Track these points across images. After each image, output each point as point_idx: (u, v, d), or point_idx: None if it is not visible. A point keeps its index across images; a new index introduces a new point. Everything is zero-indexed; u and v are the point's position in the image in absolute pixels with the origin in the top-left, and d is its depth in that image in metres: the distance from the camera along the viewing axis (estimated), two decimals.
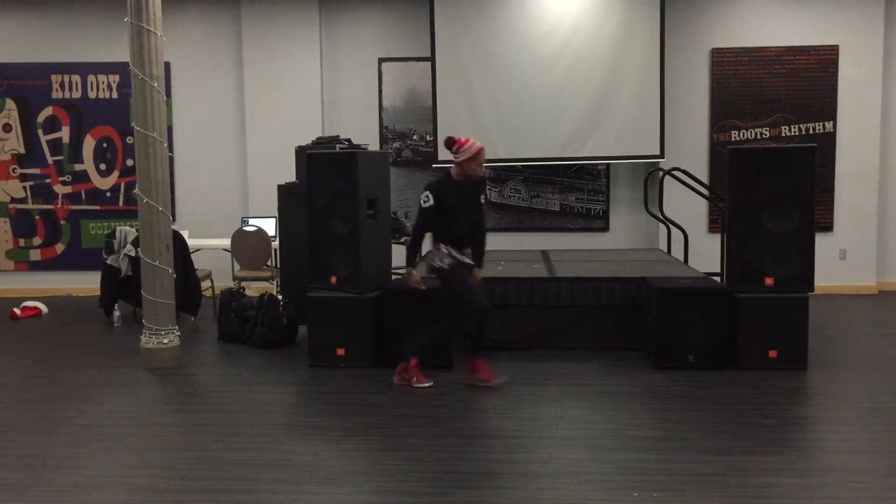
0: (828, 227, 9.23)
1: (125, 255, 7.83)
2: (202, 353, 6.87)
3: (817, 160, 6.13)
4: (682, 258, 8.17)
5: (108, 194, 9.81)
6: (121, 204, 9.80)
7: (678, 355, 6.05)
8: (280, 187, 7.53)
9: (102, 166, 9.79)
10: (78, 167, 9.78)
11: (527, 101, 9.12)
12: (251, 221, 8.54)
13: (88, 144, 9.76)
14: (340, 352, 6.23)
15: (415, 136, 9.69)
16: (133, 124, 6.24)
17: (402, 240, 7.96)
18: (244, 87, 9.56)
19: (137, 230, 6.58)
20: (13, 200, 9.84)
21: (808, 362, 6.02)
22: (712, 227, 9.29)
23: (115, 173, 9.79)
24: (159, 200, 6.20)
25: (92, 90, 9.72)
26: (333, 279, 6.37)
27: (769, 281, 6.07)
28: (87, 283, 9.35)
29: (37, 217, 9.85)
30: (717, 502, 3.77)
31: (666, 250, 8.60)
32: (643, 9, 8.94)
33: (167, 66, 9.11)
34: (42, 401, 5.51)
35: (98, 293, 8.22)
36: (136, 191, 6.28)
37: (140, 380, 6.02)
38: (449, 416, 5.10)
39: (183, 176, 9.75)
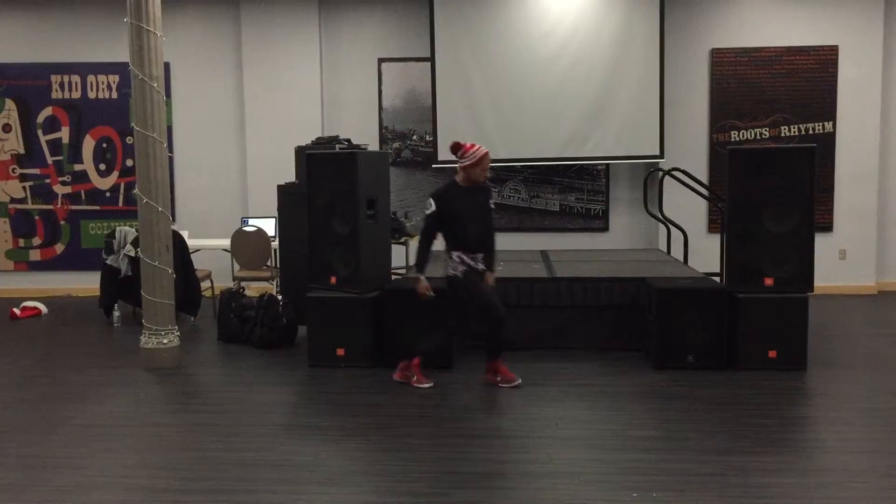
0: (827, 228, 9.24)
1: (125, 255, 7.83)
2: (202, 354, 6.87)
3: (817, 160, 6.14)
4: (681, 258, 8.17)
5: (108, 194, 9.81)
6: (120, 204, 9.81)
7: (678, 355, 6.06)
8: (280, 187, 7.53)
9: (102, 166, 9.79)
10: (77, 167, 9.78)
11: (526, 102, 9.12)
12: (251, 221, 8.54)
13: (88, 145, 9.76)
14: (340, 352, 6.23)
15: (414, 137, 9.69)
16: (133, 124, 6.24)
17: (402, 240, 7.96)
18: (244, 87, 9.56)
19: (137, 230, 6.59)
20: (13, 200, 9.84)
21: (808, 362, 6.02)
22: (712, 227, 9.29)
23: (115, 173, 9.79)
24: (159, 200, 6.20)
25: (92, 90, 9.72)
26: (333, 279, 6.37)
27: (769, 281, 6.07)
28: (87, 284, 9.36)
29: (36, 217, 9.85)
30: (716, 502, 3.78)
31: (665, 250, 8.60)
32: (643, 9, 8.95)
33: (167, 66, 9.11)
34: (42, 401, 5.51)
35: (98, 293, 8.22)
36: (135, 191, 6.28)
37: (140, 380, 6.02)
38: (449, 416, 5.10)
39: (183, 176, 9.76)
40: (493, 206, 5.74)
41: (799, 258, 6.06)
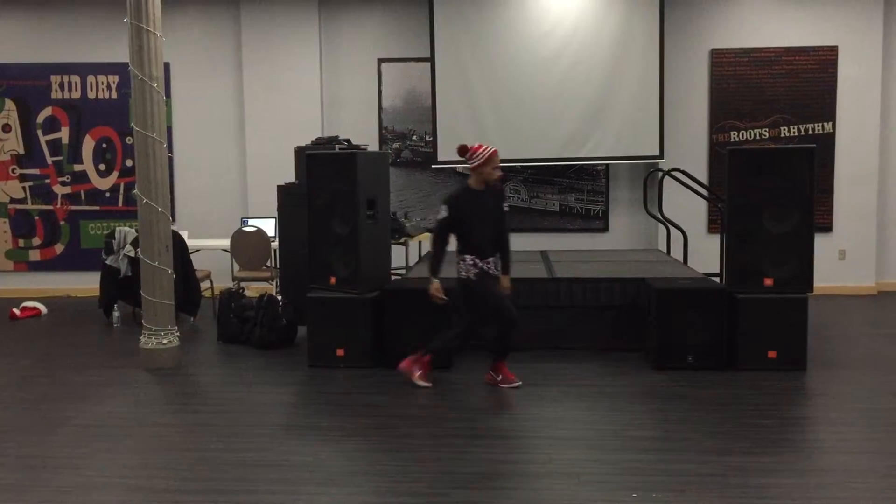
0: (827, 228, 9.24)
1: (124, 255, 7.83)
2: (202, 354, 6.86)
3: (816, 161, 6.14)
4: (681, 259, 8.17)
5: (108, 195, 9.81)
6: (120, 204, 9.81)
7: (677, 356, 6.06)
8: (279, 188, 7.53)
9: (102, 167, 9.79)
10: (77, 168, 9.78)
11: (526, 102, 9.13)
12: (251, 222, 8.54)
13: (88, 145, 9.76)
14: (340, 352, 6.23)
15: (414, 137, 9.69)
16: (132, 125, 6.24)
17: (402, 240, 7.96)
18: (244, 87, 9.57)
19: (137, 231, 6.59)
20: (12, 201, 9.84)
21: (808, 363, 6.02)
22: (711, 227, 9.29)
23: (115, 174, 9.79)
24: (159, 201, 6.20)
25: (91, 91, 9.72)
26: (333, 280, 6.37)
27: (768, 281, 6.07)
28: (87, 284, 9.36)
29: (36, 217, 9.85)
30: (716, 503, 3.78)
31: (665, 251, 8.61)
32: (643, 9, 8.95)
33: (166, 66, 9.11)
34: (41, 401, 5.51)
35: (97, 294, 8.22)
36: (135, 191, 6.28)
37: (139, 380, 6.02)
38: (448, 416, 5.10)
39: (182, 176, 9.76)
40: (507, 208, 5.71)
41: (798, 259, 6.06)
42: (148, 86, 6.09)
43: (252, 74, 9.51)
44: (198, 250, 8.43)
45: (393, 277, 7.02)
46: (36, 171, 9.81)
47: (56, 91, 9.72)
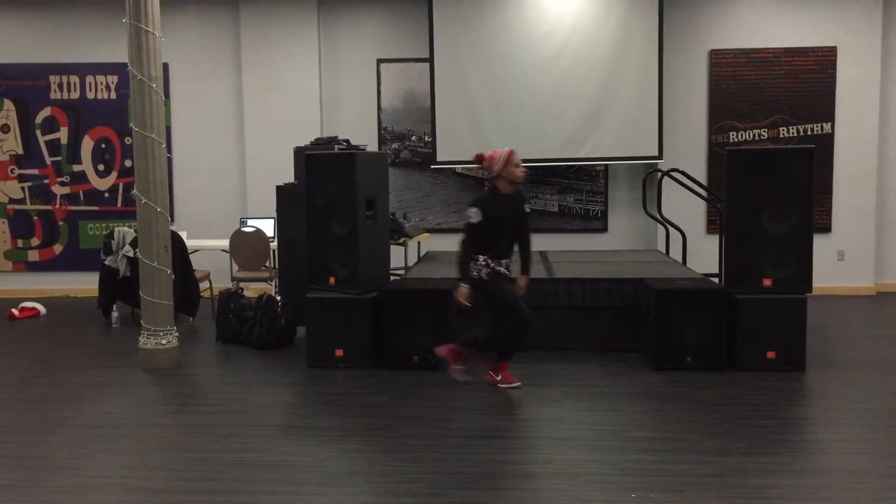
0: (826, 229, 9.25)
1: (123, 255, 7.82)
2: (200, 354, 6.86)
3: (815, 161, 6.14)
4: (680, 259, 8.17)
5: (107, 195, 9.81)
6: (119, 205, 9.80)
7: (676, 356, 6.06)
8: (279, 188, 7.53)
9: (101, 167, 9.79)
10: (76, 168, 9.78)
11: (525, 102, 9.13)
12: (250, 222, 8.53)
13: (87, 145, 9.76)
14: (339, 352, 6.23)
15: (413, 137, 9.69)
16: (131, 125, 6.24)
17: (401, 241, 7.96)
18: (243, 87, 9.57)
19: (136, 231, 6.58)
20: (11, 201, 9.84)
21: (807, 363, 6.03)
22: (710, 228, 9.30)
23: (114, 174, 9.79)
24: (158, 201, 6.19)
25: (90, 91, 9.72)
26: (332, 280, 6.37)
27: (767, 282, 6.07)
28: (86, 284, 9.36)
29: (35, 218, 9.85)
30: (715, 503, 3.78)
31: (664, 251, 8.61)
32: (642, 10, 8.95)
33: (166, 66, 9.12)
34: (40, 401, 5.51)
35: (96, 294, 8.21)
36: (134, 191, 6.28)
37: (138, 380, 6.02)
38: (448, 416, 5.10)
39: (181, 177, 9.76)
40: (528, 210, 5.72)
41: (797, 259, 6.06)
42: (147, 86, 6.09)
43: (251, 75, 9.51)
44: (197, 250, 8.43)
45: (392, 278, 7.01)
46: (35, 172, 9.80)
47: (55, 91, 9.72)
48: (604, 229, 9.58)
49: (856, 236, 9.32)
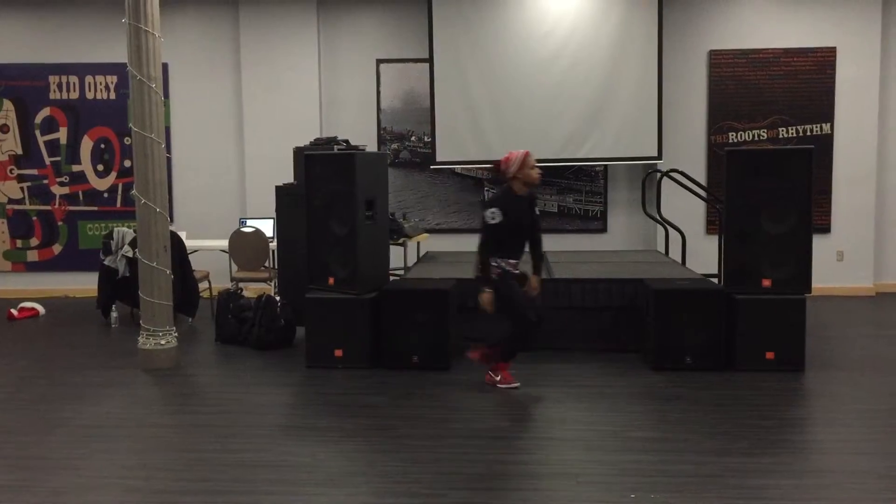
0: (825, 229, 9.25)
1: (123, 255, 7.82)
2: (200, 354, 6.86)
3: (815, 162, 6.14)
4: (679, 259, 8.17)
5: (106, 195, 9.81)
6: (118, 205, 9.80)
7: (676, 357, 6.06)
8: (278, 188, 7.53)
9: (100, 167, 9.78)
10: (75, 168, 9.78)
11: (525, 103, 9.13)
12: (249, 222, 8.53)
13: (86, 145, 9.76)
14: (338, 353, 6.23)
15: (413, 138, 9.69)
16: (131, 125, 6.24)
17: (400, 241, 7.96)
18: (242, 87, 9.56)
19: (135, 231, 6.58)
20: (10, 201, 9.83)
21: (806, 364, 6.03)
22: (710, 228, 9.30)
23: (113, 174, 9.79)
24: (157, 201, 6.19)
25: (90, 91, 9.72)
26: (331, 280, 6.37)
27: (767, 282, 6.07)
28: (85, 284, 9.35)
29: (34, 218, 9.84)
30: (715, 503, 3.78)
31: (664, 252, 8.61)
32: (641, 10, 8.96)
33: (165, 66, 9.12)
34: (39, 402, 5.51)
35: (95, 294, 8.21)
36: (133, 192, 6.28)
37: (137, 381, 6.01)
38: (447, 417, 5.10)
39: (181, 177, 9.75)
40: (538, 211, 5.77)
41: (797, 259, 6.06)
42: (146, 86, 6.09)
43: (251, 75, 9.51)
44: (196, 251, 8.43)
45: (391, 278, 7.01)
46: (34, 172, 9.80)
47: (54, 91, 9.71)
48: (603, 230, 9.58)
49: (855, 237, 9.32)
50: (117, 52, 9.09)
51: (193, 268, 8.00)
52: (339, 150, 7.24)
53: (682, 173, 8.29)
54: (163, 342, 6.32)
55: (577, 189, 9.55)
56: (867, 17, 9.13)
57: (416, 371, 6.09)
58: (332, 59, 9.63)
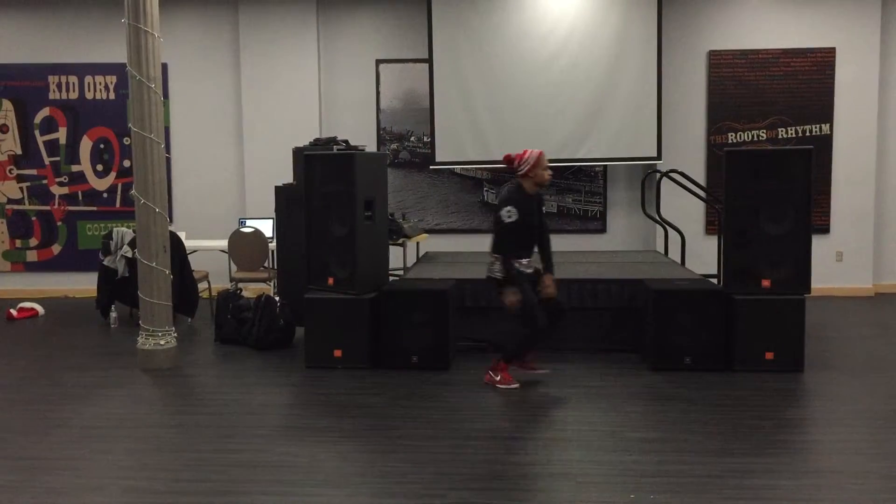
0: (824, 230, 9.25)
1: (122, 256, 7.82)
2: (199, 355, 6.86)
3: (814, 162, 6.14)
4: (679, 260, 8.17)
5: (105, 195, 9.80)
6: (118, 205, 9.80)
7: (675, 357, 6.06)
8: (277, 188, 7.53)
9: (99, 167, 9.78)
10: (75, 168, 9.77)
11: (524, 103, 9.13)
12: (248, 223, 8.53)
13: (85, 145, 9.75)
14: (337, 353, 6.22)
15: (412, 138, 9.69)
16: (130, 125, 6.24)
17: (399, 241, 7.96)
18: (241, 88, 9.56)
19: (134, 231, 6.58)
20: (10, 201, 9.83)
21: (805, 364, 6.03)
22: (709, 228, 9.30)
23: (112, 174, 9.78)
24: (156, 201, 6.19)
25: (89, 91, 9.72)
26: (331, 280, 6.37)
27: (766, 283, 6.07)
28: (84, 285, 9.35)
29: (33, 218, 9.84)
30: (714, 503, 3.78)
31: (663, 252, 8.61)
32: (640, 11, 8.96)
33: (164, 67, 9.11)
34: (38, 402, 5.50)
35: (95, 294, 8.21)
36: (133, 192, 6.28)
37: (137, 381, 6.01)
38: (446, 417, 5.10)
39: (180, 177, 9.75)
40: (545, 210, 5.82)
41: (796, 260, 6.06)
42: (146, 86, 6.09)
43: (250, 75, 9.51)
44: (195, 251, 8.43)
45: (391, 278, 7.01)
46: (33, 172, 9.80)
47: (54, 91, 9.71)
48: (602, 230, 9.58)
49: (854, 237, 9.32)
50: (117, 53, 9.10)
51: (193, 268, 8.00)
52: (338, 150, 7.23)
53: (682, 174, 8.29)
54: (162, 342, 6.32)
55: (577, 189, 9.55)
56: (866, 17, 9.13)
57: (416, 371, 6.10)
58: (331, 59, 9.63)
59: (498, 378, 5.68)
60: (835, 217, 9.31)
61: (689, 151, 9.33)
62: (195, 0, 9.61)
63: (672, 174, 8.34)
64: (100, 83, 9.70)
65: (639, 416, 5.07)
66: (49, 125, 9.75)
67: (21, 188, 9.81)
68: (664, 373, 5.99)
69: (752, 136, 9.30)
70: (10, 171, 9.80)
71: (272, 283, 8.19)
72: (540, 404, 5.34)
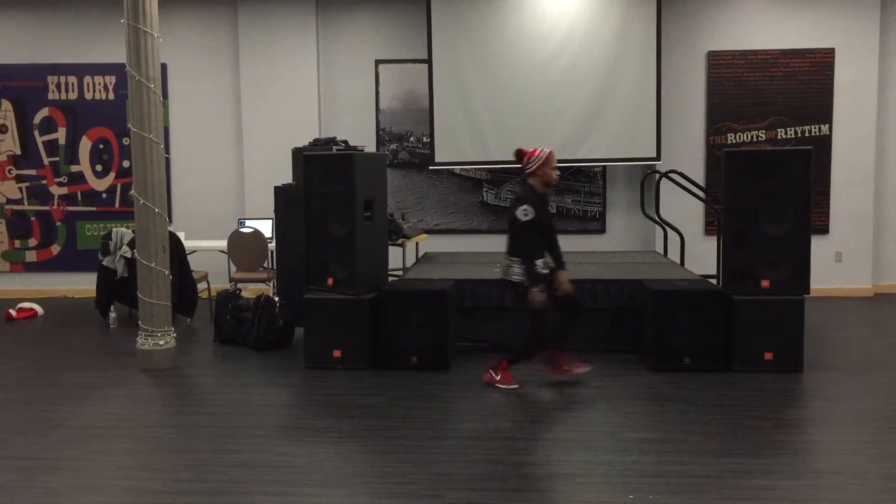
0: (824, 230, 9.25)
1: (121, 256, 7.82)
2: (198, 355, 6.85)
3: (813, 163, 6.14)
4: (678, 260, 8.17)
5: (105, 196, 9.80)
6: (117, 205, 9.79)
7: (674, 357, 6.06)
8: (277, 189, 7.53)
9: (99, 167, 9.78)
10: (74, 168, 9.77)
11: (523, 103, 9.13)
12: (248, 223, 8.52)
13: (85, 146, 9.75)
14: (337, 353, 6.22)
15: (412, 138, 9.69)
16: (129, 126, 6.23)
17: (399, 241, 7.95)
18: (241, 88, 9.56)
19: (134, 231, 6.58)
20: (9, 201, 9.82)
21: (804, 365, 6.03)
22: (708, 229, 9.30)
23: (112, 175, 9.78)
24: (156, 202, 6.19)
25: (88, 91, 9.71)
26: (330, 281, 6.37)
27: (765, 283, 6.07)
28: (83, 285, 9.35)
29: (32, 218, 9.83)
30: (714, 503, 3.79)
31: (662, 252, 8.61)
32: (640, 11, 8.96)
33: (164, 67, 9.09)
34: (37, 402, 5.50)
35: (94, 295, 8.21)
36: (132, 192, 6.28)
37: (136, 381, 6.01)
38: (446, 417, 5.10)
39: (179, 177, 9.75)
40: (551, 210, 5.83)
41: (795, 261, 6.06)
42: (145, 87, 6.09)
43: (250, 75, 9.51)
44: (195, 251, 8.42)
45: (390, 279, 7.01)
46: (32, 172, 9.79)
47: (53, 92, 9.71)
48: (602, 230, 9.58)
49: (853, 238, 9.33)
50: (116, 53, 9.10)
51: (192, 268, 8.00)
52: (337, 150, 7.23)
53: (681, 174, 8.29)
54: (161, 343, 6.32)
55: (576, 190, 9.55)
56: (865, 18, 9.13)
57: (415, 371, 6.09)
58: (330, 59, 9.63)
59: (498, 377, 5.68)
60: (834, 217, 9.31)
61: (688, 152, 9.33)
62: (195, 0, 9.61)
63: (671, 175, 8.34)
64: (99, 83, 9.69)
65: (638, 417, 5.07)
66: (48, 125, 9.75)
67: (20, 188, 9.81)
68: (663, 373, 5.99)
69: (752, 137, 9.30)
70: (9, 171, 9.79)
71: (271, 284, 8.19)
72: (540, 404, 5.34)
